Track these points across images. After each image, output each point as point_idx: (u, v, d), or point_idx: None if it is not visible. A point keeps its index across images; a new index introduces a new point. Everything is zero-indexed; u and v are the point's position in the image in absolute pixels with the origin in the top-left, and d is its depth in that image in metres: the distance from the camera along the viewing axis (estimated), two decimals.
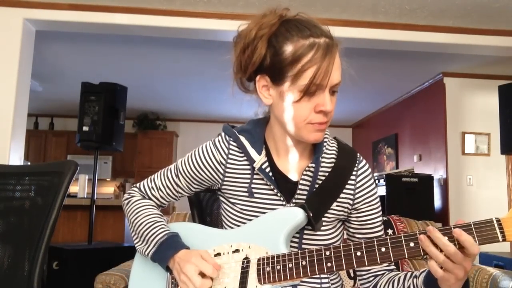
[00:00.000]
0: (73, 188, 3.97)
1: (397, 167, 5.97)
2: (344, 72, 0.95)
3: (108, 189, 7.38)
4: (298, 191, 1.00)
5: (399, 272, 1.01)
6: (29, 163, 5.41)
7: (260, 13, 0.96)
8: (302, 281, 0.98)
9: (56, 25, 3.40)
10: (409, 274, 0.96)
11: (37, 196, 1.37)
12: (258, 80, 0.97)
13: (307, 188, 1.00)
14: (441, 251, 0.79)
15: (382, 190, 4.58)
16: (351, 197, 1.03)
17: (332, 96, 0.93)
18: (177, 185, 1.10)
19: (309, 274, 0.88)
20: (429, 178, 4.68)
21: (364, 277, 1.06)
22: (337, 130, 7.73)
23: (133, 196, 1.13)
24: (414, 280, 0.93)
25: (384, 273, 1.04)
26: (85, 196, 4.12)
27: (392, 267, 1.06)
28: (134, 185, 1.17)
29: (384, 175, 4.73)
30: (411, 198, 4.51)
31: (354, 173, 1.03)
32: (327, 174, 1.01)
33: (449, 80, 4.95)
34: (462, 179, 4.81)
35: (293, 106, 0.91)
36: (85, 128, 3.32)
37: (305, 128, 0.93)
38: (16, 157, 3.26)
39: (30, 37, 3.42)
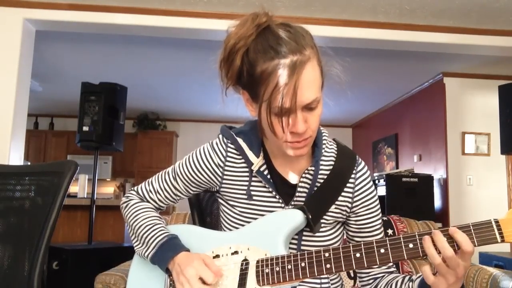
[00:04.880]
0: (73, 188, 3.97)
1: (397, 167, 5.97)
2: (336, 75, 0.94)
3: (108, 189, 7.38)
4: (297, 194, 1.00)
5: (397, 275, 1.02)
6: (29, 163, 5.41)
7: (244, 16, 0.93)
8: (302, 281, 0.98)
9: (56, 25, 3.40)
10: (406, 277, 0.97)
11: (37, 196, 1.37)
12: (242, 93, 0.97)
13: (306, 190, 1.01)
14: (439, 253, 0.80)
15: (382, 190, 4.58)
16: (350, 200, 1.03)
17: (311, 112, 0.89)
18: (175, 188, 1.10)
19: (308, 276, 0.88)
20: (429, 178, 4.67)
21: (364, 279, 1.07)
22: (337, 130, 7.73)
23: (131, 199, 1.13)
24: (410, 283, 0.94)
25: (384, 276, 1.05)
26: (85, 196, 4.13)
27: (392, 269, 1.06)
28: (132, 188, 1.16)
29: (384, 175, 4.72)
30: (411, 198, 4.51)
31: (353, 175, 1.03)
32: (325, 176, 1.01)
33: (449, 80, 4.94)
34: (462, 179, 4.81)
35: (269, 126, 0.89)
36: (85, 128, 3.32)
37: (284, 146, 0.93)
38: (16, 157, 3.27)
39: (30, 37, 3.42)
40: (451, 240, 0.80)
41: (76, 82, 3.99)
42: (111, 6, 3.28)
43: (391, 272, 1.05)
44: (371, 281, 1.06)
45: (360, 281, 1.08)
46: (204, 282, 0.91)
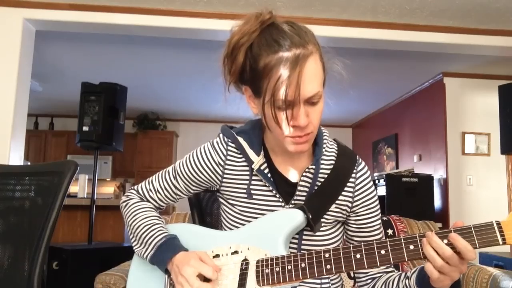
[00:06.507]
0: (73, 188, 3.97)
1: (397, 167, 5.97)
2: (338, 73, 0.94)
3: (108, 189, 7.38)
4: (297, 193, 1.00)
5: (394, 273, 1.02)
6: (29, 163, 5.41)
7: (248, 15, 0.93)
8: (302, 281, 0.98)
9: (56, 25, 3.40)
10: (402, 274, 0.97)
11: (37, 196, 1.37)
12: (244, 90, 0.97)
13: (306, 189, 1.00)
14: (439, 254, 0.80)
15: (382, 190, 4.57)
16: (350, 199, 1.03)
17: (312, 107, 0.90)
18: (175, 187, 1.10)
19: (308, 276, 0.88)
20: (429, 178, 4.67)
21: (362, 279, 1.07)
22: (337, 130, 7.72)
23: (131, 199, 1.13)
24: (406, 281, 0.94)
25: (382, 275, 1.04)
26: (85, 196, 4.13)
27: (390, 268, 1.06)
28: (132, 187, 1.16)
29: (384, 175, 4.72)
30: (411, 198, 4.51)
31: (353, 175, 1.03)
32: (326, 175, 1.01)
33: (449, 80, 4.94)
34: (462, 179, 4.81)
35: (272, 120, 0.90)
36: (85, 128, 3.32)
37: (285, 141, 0.93)
38: (16, 157, 3.26)
39: (30, 37, 3.41)
40: (451, 244, 0.79)
41: (76, 82, 3.99)
42: (111, 6, 3.28)
43: (389, 272, 1.05)
44: (369, 281, 1.06)
45: (358, 281, 1.08)
46: (203, 279, 0.91)
